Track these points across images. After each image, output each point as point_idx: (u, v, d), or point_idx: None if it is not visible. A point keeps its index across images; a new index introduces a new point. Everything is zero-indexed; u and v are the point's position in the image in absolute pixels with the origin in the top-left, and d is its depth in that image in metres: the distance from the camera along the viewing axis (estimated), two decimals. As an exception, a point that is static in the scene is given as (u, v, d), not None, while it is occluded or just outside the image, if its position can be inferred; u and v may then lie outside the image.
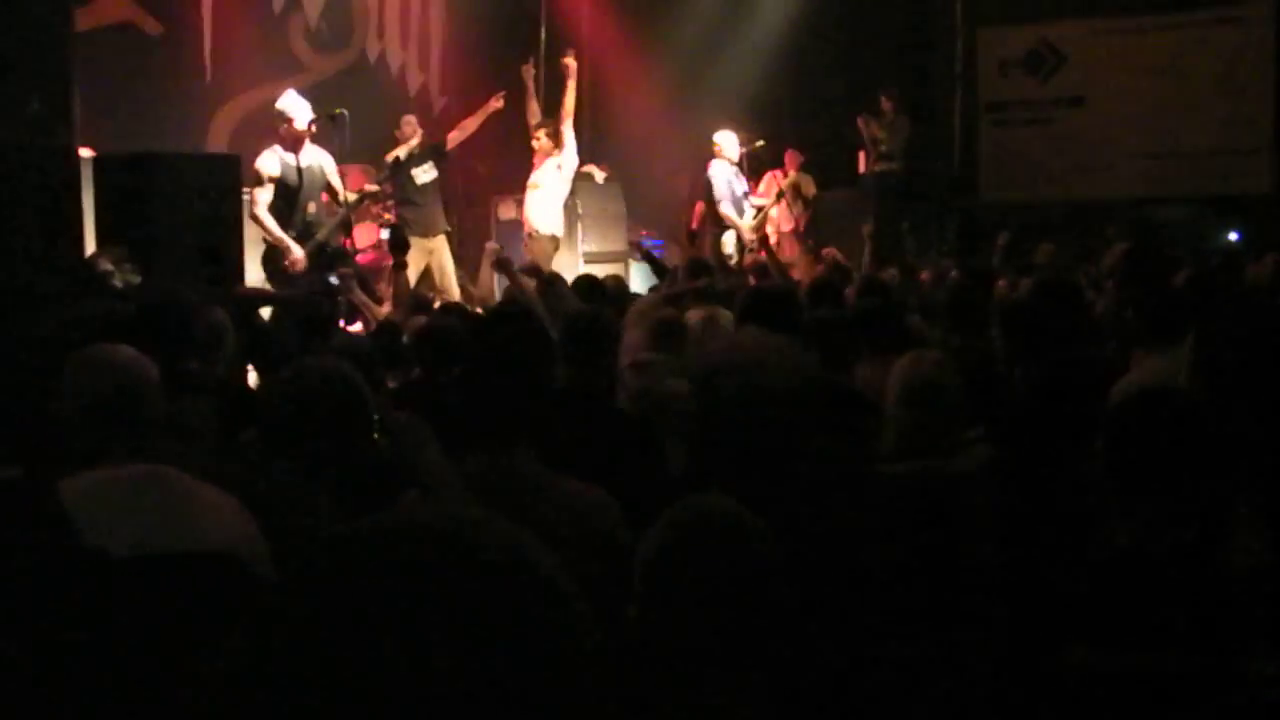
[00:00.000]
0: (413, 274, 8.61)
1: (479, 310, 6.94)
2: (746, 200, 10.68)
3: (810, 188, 11.98)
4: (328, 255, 7.79)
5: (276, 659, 0.79)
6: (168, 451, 2.59)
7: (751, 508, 2.04)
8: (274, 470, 2.71)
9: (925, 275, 8.45)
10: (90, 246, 6.29)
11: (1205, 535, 2.46)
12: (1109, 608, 2.44)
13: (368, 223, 10.25)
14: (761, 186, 11.65)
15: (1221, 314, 4.54)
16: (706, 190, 10.66)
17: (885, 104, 11.82)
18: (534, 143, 9.54)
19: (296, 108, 7.83)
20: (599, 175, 11.48)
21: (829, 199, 12.12)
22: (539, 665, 0.80)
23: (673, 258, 10.22)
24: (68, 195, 5.94)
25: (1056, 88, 12.85)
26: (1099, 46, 12.72)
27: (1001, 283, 6.85)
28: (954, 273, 7.64)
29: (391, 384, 4.86)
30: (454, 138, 9.55)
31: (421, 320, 5.73)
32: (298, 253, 7.68)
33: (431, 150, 9.39)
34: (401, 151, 9.30)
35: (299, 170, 7.78)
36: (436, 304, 8.51)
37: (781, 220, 11.62)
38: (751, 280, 7.81)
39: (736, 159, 10.59)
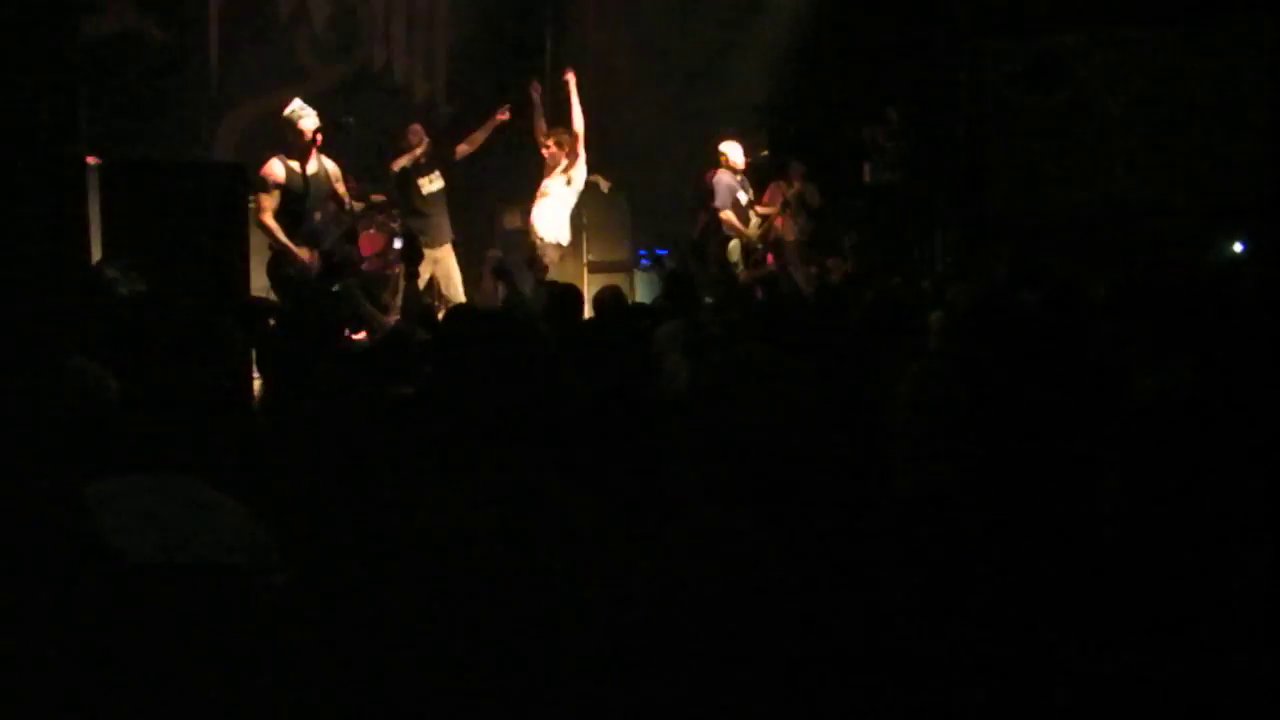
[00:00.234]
0: (419, 283, 8.64)
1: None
2: (751, 210, 10.69)
3: (815, 198, 11.99)
4: (333, 264, 7.81)
5: None
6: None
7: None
8: None
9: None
10: (96, 254, 6.31)
11: None
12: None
13: (373, 231, 10.28)
14: (765, 196, 11.66)
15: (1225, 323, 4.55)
16: (708, 198, 10.69)
17: (890, 114, 11.85)
18: (544, 151, 9.57)
19: (303, 116, 7.85)
20: (604, 185, 11.51)
21: (834, 209, 12.13)
22: None
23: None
24: (74, 203, 5.96)
25: (1061, 98, 12.86)
26: (1103, 57, 12.74)
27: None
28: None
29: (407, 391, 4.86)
30: (462, 151, 9.57)
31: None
32: (305, 258, 7.70)
33: (438, 160, 9.40)
34: (407, 160, 9.33)
35: (305, 178, 7.80)
36: (440, 314, 8.55)
37: (786, 231, 11.63)
38: (759, 292, 7.83)
39: (742, 168, 10.61)
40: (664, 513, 2.30)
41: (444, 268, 9.25)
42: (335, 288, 7.50)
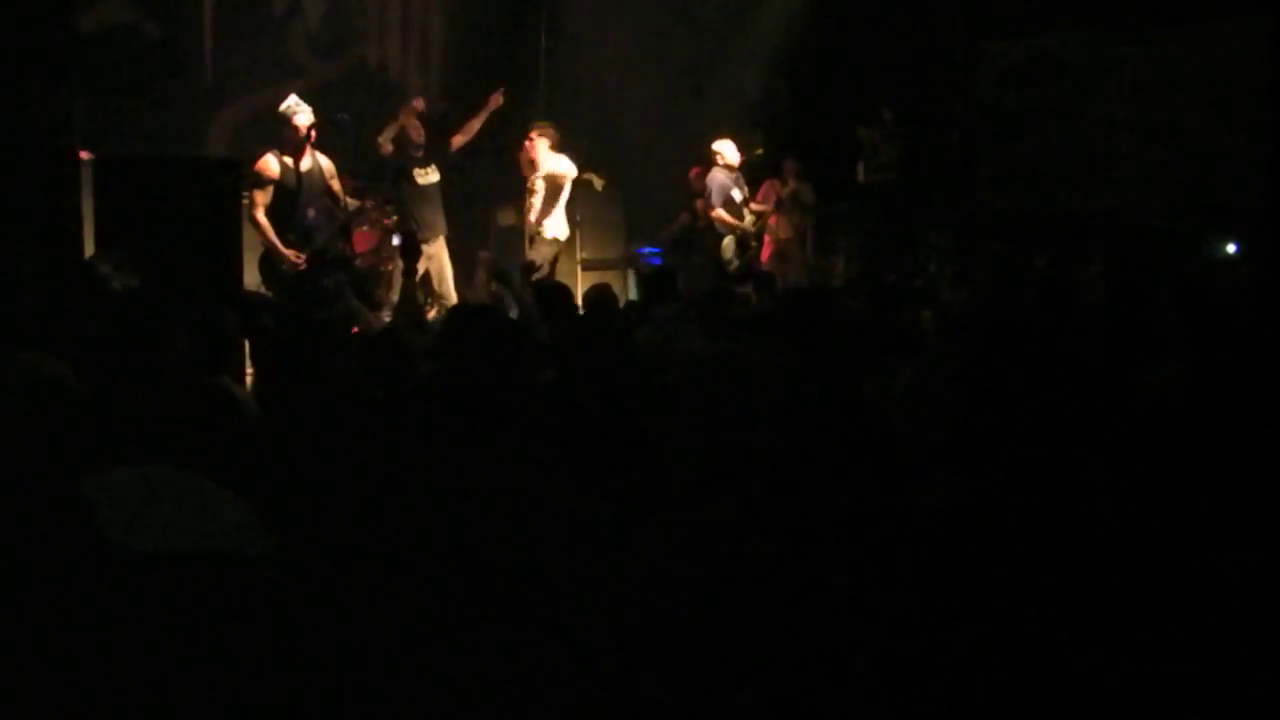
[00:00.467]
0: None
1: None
2: (745, 208, 10.70)
3: (810, 196, 12.00)
4: (326, 260, 7.80)
5: None
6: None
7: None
8: None
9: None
10: (89, 249, 6.30)
11: None
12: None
13: (368, 228, 10.26)
14: (759, 195, 11.67)
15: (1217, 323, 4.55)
16: (697, 196, 10.70)
17: (885, 113, 11.86)
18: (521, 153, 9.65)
19: (298, 112, 7.84)
20: (598, 183, 11.51)
21: (827, 208, 12.14)
22: None
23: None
24: (67, 198, 5.95)
25: (1055, 98, 12.89)
26: (1097, 58, 12.77)
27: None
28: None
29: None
30: (458, 141, 9.54)
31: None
32: (291, 257, 7.69)
33: (434, 153, 9.34)
34: (391, 133, 9.20)
35: (298, 174, 7.79)
36: (432, 311, 8.54)
37: (780, 229, 11.64)
38: (752, 291, 7.83)
39: (736, 165, 10.62)
40: (654, 509, 2.30)
41: (437, 263, 9.23)
42: (324, 283, 7.49)
